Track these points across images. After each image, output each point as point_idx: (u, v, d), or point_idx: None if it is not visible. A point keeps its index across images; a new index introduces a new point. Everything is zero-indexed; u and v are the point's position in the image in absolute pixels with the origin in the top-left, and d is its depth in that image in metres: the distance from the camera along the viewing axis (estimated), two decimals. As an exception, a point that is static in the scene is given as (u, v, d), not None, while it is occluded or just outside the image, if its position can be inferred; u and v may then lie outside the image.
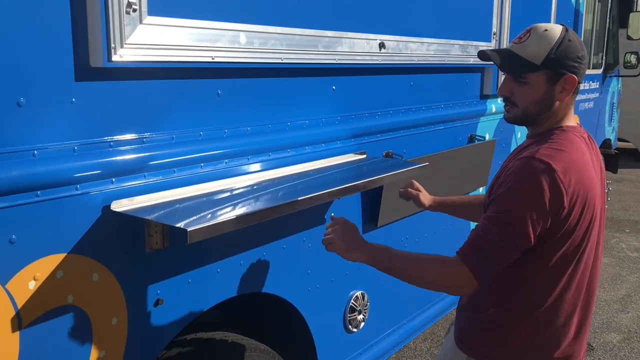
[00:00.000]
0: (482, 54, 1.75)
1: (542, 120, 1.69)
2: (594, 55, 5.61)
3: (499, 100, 3.73)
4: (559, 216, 1.56)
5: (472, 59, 3.22)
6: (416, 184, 2.33)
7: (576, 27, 4.89)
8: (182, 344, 2.09)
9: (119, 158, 1.63)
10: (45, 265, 1.51)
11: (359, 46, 2.38)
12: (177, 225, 1.55)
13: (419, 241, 3.15)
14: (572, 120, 1.72)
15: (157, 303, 1.80)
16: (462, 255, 1.60)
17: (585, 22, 5.18)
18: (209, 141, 1.89)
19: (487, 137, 3.63)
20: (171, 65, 1.72)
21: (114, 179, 1.63)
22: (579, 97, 5.21)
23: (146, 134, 1.71)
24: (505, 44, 3.58)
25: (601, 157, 1.79)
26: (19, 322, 1.48)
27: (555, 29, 1.64)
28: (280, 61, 2.05)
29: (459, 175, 3.31)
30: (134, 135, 1.68)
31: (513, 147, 4.09)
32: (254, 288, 2.17)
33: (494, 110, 3.66)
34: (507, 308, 1.70)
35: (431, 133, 3.04)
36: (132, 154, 1.66)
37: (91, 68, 1.55)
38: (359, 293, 2.71)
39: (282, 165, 2.17)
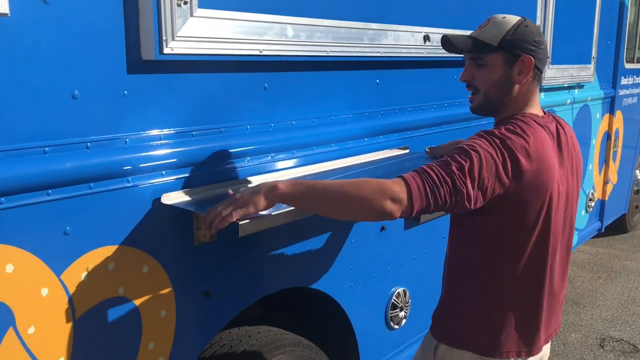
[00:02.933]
0: (443, 39, 1.72)
1: (503, 106, 1.70)
2: (639, 49, 5.46)
3: (542, 95, 3.65)
4: (509, 188, 1.55)
5: (515, 53, 3.16)
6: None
7: (621, 18, 4.77)
8: (226, 337, 2.09)
9: (169, 151, 1.64)
10: (97, 257, 1.53)
11: (403, 39, 2.35)
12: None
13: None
14: (536, 109, 1.71)
15: (204, 296, 1.80)
16: (401, 175, 1.52)
17: (630, 14, 5.04)
18: (256, 135, 1.89)
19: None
20: (220, 58, 1.71)
21: (164, 172, 1.63)
22: (622, 91, 5.08)
23: (195, 127, 1.71)
24: (549, 36, 3.51)
25: (576, 149, 1.78)
26: (73, 312, 1.50)
27: (513, 17, 1.69)
28: (325, 54, 2.04)
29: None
30: (183, 128, 1.68)
31: (555, 142, 4.01)
32: (299, 282, 2.16)
33: (536, 105, 3.58)
34: (465, 290, 1.73)
35: (476, 128, 2.98)
36: (181, 146, 1.67)
37: (143, 61, 1.56)
38: (400, 290, 2.69)
39: (326, 160, 2.16)
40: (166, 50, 1.55)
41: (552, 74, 3.63)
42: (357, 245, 2.36)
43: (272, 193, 1.53)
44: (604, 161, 5.05)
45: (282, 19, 1.86)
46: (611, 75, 4.86)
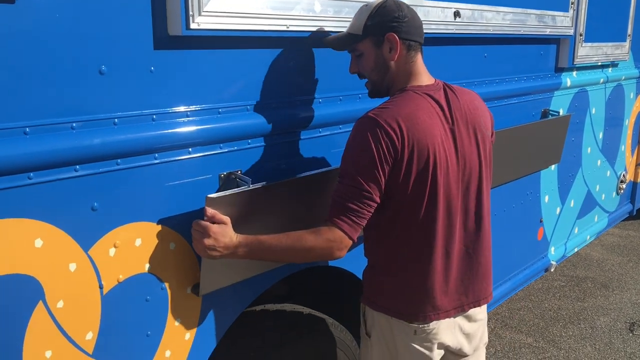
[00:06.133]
0: (325, 43, 1.87)
1: (389, 85, 1.80)
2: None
3: (574, 74, 3.56)
4: (394, 163, 1.65)
5: (548, 30, 3.07)
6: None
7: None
8: (252, 314, 2.10)
9: (195, 128, 1.63)
10: (125, 233, 1.53)
11: (433, 15, 2.30)
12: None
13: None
14: (420, 79, 1.78)
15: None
16: (328, 219, 1.66)
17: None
18: (282, 112, 1.87)
19: (561, 112, 3.48)
20: (246, 34, 1.69)
21: (190, 149, 1.63)
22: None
23: (222, 104, 1.70)
24: (583, 14, 3.40)
25: (476, 112, 1.82)
26: (100, 287, 1.51)
27: (375, 2, 1.77)
28: (353, 30, 1.99)
29: (530, 151, 3.18)
30: (210, 105, 1.67)
31: (587, 122, 3.92)
32: (324, 262, 2.15)
33: (569, 84, 3.49)
34: (380, 256, 1.83)
35: (504, 107, 2.93)
36: (208, 123, 1.66)
37: (169, 36, 1.54)
38: (426, 270, 2.66)
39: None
40: (193, 26, 1.53)
41: (585, 52, 3.53)
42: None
43: (229, 253, 1.62)
44: (637, 142, 4.93)
45: (310, -6, 1.82)
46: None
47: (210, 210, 1.61)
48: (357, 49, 1.79)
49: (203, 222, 1.59)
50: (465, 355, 1.92)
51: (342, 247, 1.65)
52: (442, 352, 1.86)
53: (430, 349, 1.82)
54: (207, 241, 1.58)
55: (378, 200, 1.67)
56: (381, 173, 1.64)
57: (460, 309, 1.85)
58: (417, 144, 1.65)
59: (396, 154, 1.64)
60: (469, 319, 1.90)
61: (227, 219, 1.63)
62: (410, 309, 1.79)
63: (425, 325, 1.79)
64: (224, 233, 1.60)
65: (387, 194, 1.68)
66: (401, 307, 1.80)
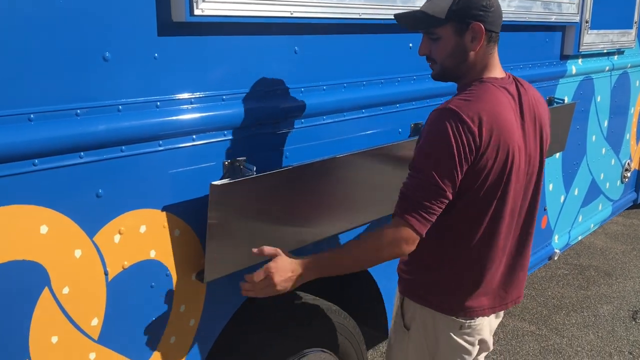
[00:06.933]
0: (396, 17, 1.76)
1: (462, 73, 1.71)
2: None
3: (579, 61, 3.54)
4: (474, 161, 1.58)
5: (554, 17, 3.05)
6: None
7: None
8: (256, 301, 2.11)
9: (199, 115, 1.62)
10: (129, 220, 1.54)
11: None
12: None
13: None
14: (495, 71, 1.72)
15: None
16: (396, 214, 1.62)
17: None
18: (286, 99, 1.86)
19: (566, 99, 3.46)
20: (250, 20, 1.68)
21: (194, 136, 1.63)
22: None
23: (225, 91, 1.69)
24: (589, 1, 3.37)
25: (540, 109, 1.77)
26: (106, 274, 1.52)
27: None
28: (358, 17, 1.99)
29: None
30: (214, 92, 1.66)
31: (592, 110, 3.90)
32: (328, 249, 2.16)
33: (574, 71, 3.47)
34: (436, 253, 1.76)
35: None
36: (212, 110, 1.65)
37: (173, 23, 1.53)
38: (430, 258, 2.67)
39: (356, 125, 2.13)
40: (197, 12, 1.52)
41: (591, 39, 3.51)
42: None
43: (299, 281, 1.64)
44: (643, 131, 4.91)
45: (314, -20, 1.81)
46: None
47: (255, 250, 1.63)
48: (434, 33, 1.67)
49: (257, 272, 1.61)
50: (488, 350, 1.92)
51: (412, 243, 1.61)
52: (478, 347, 1.85)
53: (473, 344, 1.81)
54: (275, 280, 1.59)
55: (451, 197, 1.60)
56: (458, 170, 1.57)
57: (503, 305, 1.83)
58: (498, 142, 1.59)
59: (477, 151, 1.57)
60: (497, 315, 1.90)
61: (276, 250, 1.64)
62: (460, 305, 1.75)
63: (472, 320, 1.77)
64: (283, 266, 1.61)
65: (458, 192, 1.62)
66: (452, 303, 1.76)
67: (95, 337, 1.53)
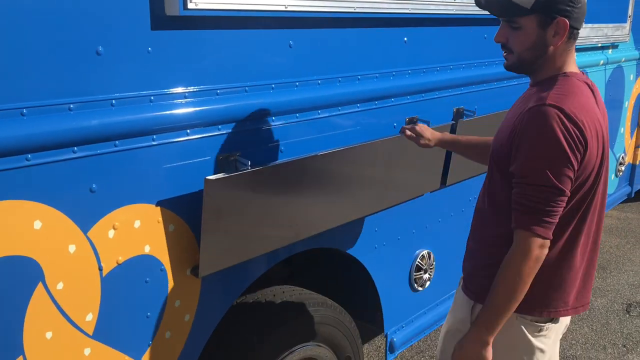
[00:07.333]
0: (477, 2, 1.71)
1: (539, 67, 1.66)
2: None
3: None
4: (582, 156, 1.55)
5: (548, 10, 3.05)
6: (418, 128, 2.15)
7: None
8: (251, 296, 2.11)
9: (193, 109, 1.62)
10: (124, 215, 1.53)
11: (433, -5, 2.28)
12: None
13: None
14: (574, 67, 1.68)
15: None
16: (519, 227, 1.58)
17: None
18: (281, 93, 1.86)
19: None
20: (244, 14, 1.67)
21: (189, 130, 1.62)
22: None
23: (220, 86, 1.69)
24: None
25: (604, 105, 1.74)
26: (100, 269, 1.51)
27: None
28: (352, 10, 1.98)
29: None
30: (208, 86, 1.66)
31: (587, 105, 3.90)
32: (323, 244, 2.16)
33: (568, 65, 3.47)
34: None
35: (501, 89, 2.91)
36: (206, 105, 1.65)
37: (167, 17, 1.53)
38: (425, 252, 2.67)
39: (351, 120, 2.12)
40: (190, 6, 1.51)
41: (585, 33, 3.51)
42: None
43: (486, 346, 1.63)
44: (637, 124, 4.92)
45: (308, -26, 1.80)
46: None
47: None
48: (516, 22, 1.61)
49: None
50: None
51: (545, 247, 1.58)
52: (550, 354, 1.79)
53: (555, 343, 1.78)
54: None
55: (569, 194, 1.55)
56: (572, 166, 1.53)
57: (580, 308, 1.77)
58: (596, 136, 1.57)
59: (585, 145, 1.53)
60: (566, 321, 1.84)
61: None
62: (544, 305, 1.70)
63: (555, 321, 1.73)
64: (469, 351, 1.64)
65: None
66: (537, 303, 1.69)
67: (90, 333, 1.52)
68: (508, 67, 1.71)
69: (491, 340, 1.63)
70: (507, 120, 1.71)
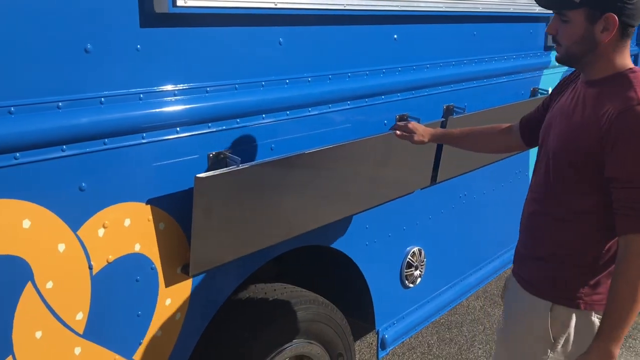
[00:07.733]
0: None
1: (590, 63, 1.64)
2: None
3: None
4: None
5: (537, 8, 3.06)
6: (410, 125, 2.16)
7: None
8: (242, 294, 2.11)
9: (183, 107, 1.61)
10: (113, 214, 1.53)
11: (422, -7, 2.28)
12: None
13: (478, 198, 3.07)
14: (630, 64, 1.65)
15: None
16: (632, 231, 1.54)
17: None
18: (271, 91, 1.85)
19: (550, 90, 3.48)
20: (234, 11, 1.67)
21: (178, 128, 1.61)
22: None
23: (209, 83, 1.68)
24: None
25: None
26: (90, 268, 1.51)
27: None
28: (342, 8, 1.98)
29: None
30: (197, 84, 1.65)
31: (576, 101, 3.92)
32: (314, 241, 2.16)
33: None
34: (600, 248, 1.68)
35: (492, 86, 2.92)
36: (196, 102, 1.64)
37: (156, 14, 1.52)
38: (416, 249, 2.68)
39: (341, 117, 2.12)
40: (179, 3, 1.51)
41: None
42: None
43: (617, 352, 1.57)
44: None
45: (298, -29, 1.80)
46: (635, 32, 4.71)
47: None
48: (565, 14, 1.59)
49: None
50: None
51: None
52: None
53: None
54: None
55: None
56: None
57: None
58: None
59: None
60: None
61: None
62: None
63: None
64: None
65: None
66: (604, 297, 1.66)
67: (80, 332, 1.52)
68: (558, 60, 1.70)
69: (617, 351, 1.58)
70: (573, 124, 1.67)
